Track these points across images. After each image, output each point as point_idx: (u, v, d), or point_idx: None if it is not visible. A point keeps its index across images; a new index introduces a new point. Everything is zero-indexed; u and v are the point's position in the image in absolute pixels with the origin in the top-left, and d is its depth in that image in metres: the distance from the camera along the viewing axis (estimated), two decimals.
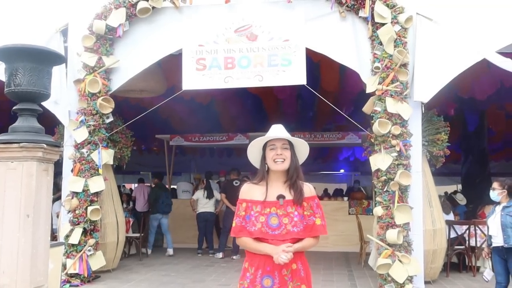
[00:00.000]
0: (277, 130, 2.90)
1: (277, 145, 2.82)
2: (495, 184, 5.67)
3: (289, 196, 2.78)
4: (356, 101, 9.92)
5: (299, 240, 2.74)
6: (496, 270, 5.63)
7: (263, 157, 2.87)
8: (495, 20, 6.61)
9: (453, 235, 8.08)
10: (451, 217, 8.50)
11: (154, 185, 11.26)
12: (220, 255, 9.69)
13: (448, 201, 9.35)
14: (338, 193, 15.14)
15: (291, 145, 2.86)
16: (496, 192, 5.61)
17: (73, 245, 7.04)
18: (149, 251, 10.28)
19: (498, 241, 5.47)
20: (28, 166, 3.12)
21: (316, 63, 8.82)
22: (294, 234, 2.72)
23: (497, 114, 12.01)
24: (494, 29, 6.59)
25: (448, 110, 9.95)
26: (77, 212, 7.09)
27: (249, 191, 2.85)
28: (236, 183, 10.03)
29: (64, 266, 6.80)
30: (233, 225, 2.82)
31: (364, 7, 6.82)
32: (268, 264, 2.70)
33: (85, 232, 7.09)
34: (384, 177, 6.61)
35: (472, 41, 6.55)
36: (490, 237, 5.65)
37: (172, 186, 13.67)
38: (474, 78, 8.16)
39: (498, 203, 5.65)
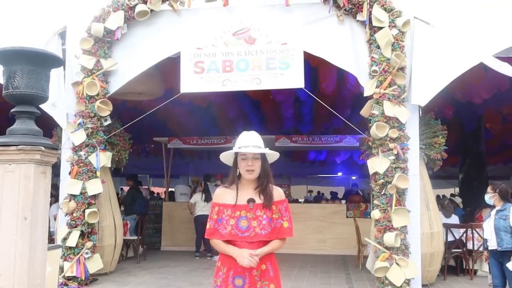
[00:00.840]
0: (249, 140, 2.94)
1: (248, 155, 2.89)
2: (488, 188, 5.71)
3: (259, 200, 2.89)
4: (354, 105, 9.95)
5: (266, 242, 2.86)
6: (492, 273, 5.65)
7: (235, 163, 2.95)
8: (492, 24, 6.64)
9: (450, 238, 8.09)
10: (453, 220, 8.50)
11: (129, 187, 11.31)
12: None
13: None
14: (333, 196, 15.19)
15: (262, 154, 2.92)
16: (488, 196, 5.66)
17: (70, 247, 7.02)
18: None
19: (492, 244, 5.51)
20: (26, 168, 3.12)
21: (314, 67, 8.84)
22: (261, 237, 2.85)
23: (494, 117, 12.04)
24: (491, 33, 6.62)
25: (446, 114, 9.98)
26: (74, 214, 7.08)
27: (221, 195, 2.95)
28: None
29: (61, 269, 6.78)
30: (207, 227, 2.95)
31: (361, 11, 6.83)
32: (239, 265, 2.81)
33: (82, 235, 7.08)
34: (382, 180, 6.62)
35: (470, 45, 6.58)
36: (485, 240, 5.68)
37: (170, 189, 13.67)
38: (471, 82, 8.18)
39: (494, 206, 5.68)
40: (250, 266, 2.77)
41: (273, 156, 3.02)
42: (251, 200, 2.88)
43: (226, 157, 3.03)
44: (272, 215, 2.89)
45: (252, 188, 2.94)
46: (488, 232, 5.56)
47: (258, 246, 2.84)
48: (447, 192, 15.99)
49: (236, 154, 2.94)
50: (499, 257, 5.49)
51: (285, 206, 2.96)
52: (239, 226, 2.85)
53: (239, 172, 2.93)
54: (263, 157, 2.93)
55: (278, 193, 2.97)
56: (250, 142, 2.92)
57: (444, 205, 8.63)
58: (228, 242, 2.86)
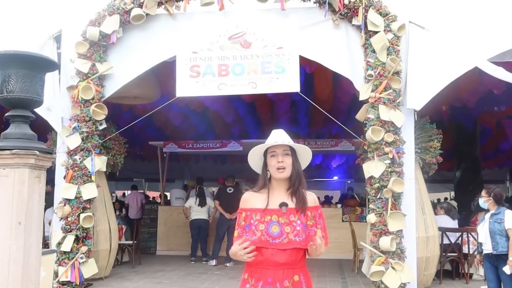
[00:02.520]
0: (278, 136, 2.78)
1: (278, 151, 2.71)
2: (483, 192, 5.73)
3: (291, 204, 2.67)
4: (349, 109, 9.97)
5: (300, 250, 2.65)
6: (487, 277, 5.66)
7: (264, 164, 2.77)
8: (487, 29, 6.68)
9: (446, 242, 8.10)
10: (452, 224, 8.50)
11: None
12: (214, 262, 9.65)
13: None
14: (327, 200, 15.22)
15: (292, 151, 2.75)
16: (483, 200, 5.68)
17: (65, 252, 6.99)
18: None
19: (487, 248, 5.52)
20: (20, 173, 3.10)
21: (310, 73, 8.86)
22: (296, 244, 2.62)
23: (489, 121, 12.10)
24: (486, 37, 6.65)
25: (442, 116, 10.02)
26: (69, 219, 7.05)
27: (249, 200, 2.74)
28: (229, 190, 10.03)
29: (56, 274, 6.75)
30: (235, 235, 2.74)
31: (357, 15, 6.86)
32: (269, 275, 2.61)
33: (77, 240, 7.05)
34: (377, 184, 6.63)
35: (464, 49, 6.61)
36: (480, 244, 5.69)
37: (165, 193, 13.64)
38: (465, 85, 8.21)
39: (487, 210, 5.70)
40: (250, 258, 2.56)
41: (305, 156, 2.83)
42: (283, 204, 2.65)
43: (254, 160, 2.83)
44: (306, 221, 2.66)
45: (284, 192, 2.72)
46: (483, 236, 5.58)
47: (291, 254, 2.62)
48: (442, 196, 16.06)
49: (265, 154, 2.75)
50: (494, 260, 5.50)
51: (319, 213, 2.77)
52: (270, 232, 2.62)
53: (270, 175, 2.73)
54: (294, 156, 2.74)
55: (312, 198, 2.77)
56: (279, 137, 2.75)
57: (448, 208, 8.66)
58: (257, 250, 2.61)
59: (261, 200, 2.69)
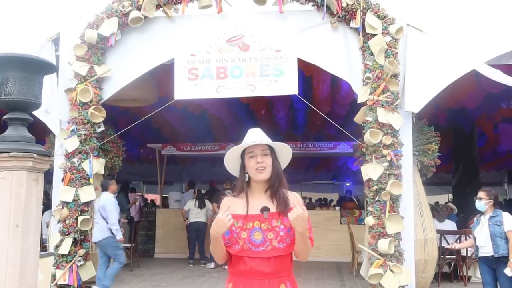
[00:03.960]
0: (256, 135, 2.61)
1: (256, 152, 2.54)
2: (482, 194, 5.67)
3: (273, 207, 2.52)
4: (348, 111, 9.98)
5: (284, 258, 2.49)
6: (484, 280, 5.65)
7: (242, 166, 2.60)
8: (484, 32, 6.70)
9: (444, 244, 8.10)
10: (450, 226, 8.50)
11: None
12: (212, 265, 9.65)
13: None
14: (324, 203, 15.24)
15: (271, 150, 2.59)
16: (483, 202, 5.62)
17: (63, 255, 6.96)
18: None
19: (486, 251, 5.50)
20: (18, 175, 3.10)
21: (308, 76, 8.87)
22: (280, 251, 2.46)
23: (486, 124, 12.12)
24: (483, 40, 6.67)
25: (439, 119, 10.03)
26: (67, 222, 7.03)
27: (229, 205, 2.56)
28: (228, 192, 10.02)
29: (53, 277, 6.73)
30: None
31: (355, 18, 6.87)
32: (254, 286, 2.46)
33: (75, 242, 7.02)
34: (376, 187, 6.63)
35: (462, 52, 6.63)
36: (477, 247, 5.66)
37: (163, 195, 13.63)
38: (463, 88, 8.23)
39: (482, 213, 5.67)
40: (228, 223, 2.37)
41: (285, 155, 2.66)
42: (265, 209, 2.49)
43: (231, 162, 2.66)
44: (290, 224, 2.46)
45: (264, 195, 2.57)
46: (482, 239, 5.55)
47: (276, 262, 2.46)
48: (441, 198, 16.06)
49: (243, 155, 2.59)
50: (493, 263, 5.49)
51: None
52: (253, 240, 2.46)
53: (249, 177, 2.57)
54: (273, 156, 2.58)
55: (295, 198, 2.59)
56: (257, 137, 2.59)
57: (437, 210, 8.66)
58: (239, 259, 2.48)
59: (241, 206, 2.54)
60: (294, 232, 2.46)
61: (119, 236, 7.23)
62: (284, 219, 2.48)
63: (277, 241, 2.47)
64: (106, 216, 7.23)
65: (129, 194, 12.29)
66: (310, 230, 2.56)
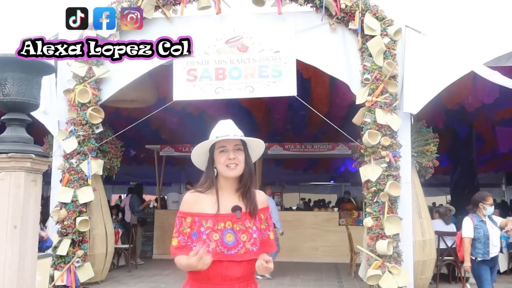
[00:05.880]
0: (228, 128, 2.38)
1: (228, 147, 2.33)
2: (491, 199, 5.65)
3: (243, 207, 2.33)
4: (346, 113, 9.98)
5: (253, 260, 2.29)
6: (485, 278, 5.63)
7: (211, 160, 2.37)
8: (483, 33, 6.71)
9: (442, 246, 8.11)
10: (450, 227, 8.50)
11: None
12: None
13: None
14: (323, 204, 15.26)
15: (244, 145, 2.38)
16: (493, 208, 5.67)
17: (61, 256, 6.96)
18: None
19: (497, 250, 5.55)
20: (16, 176, 3.09)
21: (307, 78, 8.87)
22: (253, 254, 2.27)
23: (484, 126, 12.14)
24: (482, 42, 6.69)
25: (437, 122, 10.04)
26: (65, 223, 7.03)
27: (195, 202, 2.32)
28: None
29: (51, 278, 6.72)
30: (173, 243, 2.31)
31: (354, 20, 6.88)
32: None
33: (73, 243, 7.02)
34: (374, 188, 6.64)
35: (461, 53, 6.64)
36: (487, 250, 5.61)
37: (162, 196, 13.62)
38: (461, 90, 8.24)
39: (476, 214, 5.68)
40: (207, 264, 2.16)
41: (256, 151, 2.46)
42: (237, 208, 2.28)
43: (198, 156, 2.43)
44: (260, 225, 2.33)
45: (234, 193, 2.35)
46: (498, 239, 5.59)
47: (247, 266, 2.28)
48: (439, 199, 16.08)
49: (212, 149, 2.36)
50: (489, 262, 5.56)
51: (269, 214, 2.45)
52: (225, 242, 2.24)
53: (217, 172, 2.35)
54: (246, 151, 2.37)
55: (264, 197, 2.43)
56: (230, 130, 2.36)
57: (443, 213, 8.66)
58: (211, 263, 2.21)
59: (210, 203, 2.30)
60: (262, 234, 2.35)
61: None
62: (256, 220, 2.33)
63: (251, 244, 2.28)
64: None
65: (143, 196, 12.28)
66: (273, 231, 2.45)
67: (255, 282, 2.39)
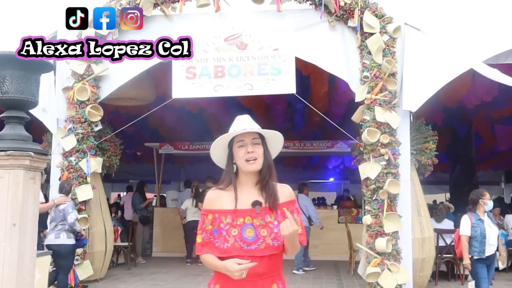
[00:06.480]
0: (245, 122, 2.37)
1: (246, 140, 2.32)
2: (488, 194, 5.68)
3: (263, 201, 2.31)
4: (345, 110, 9.98)
5: (277, 256, 2.32)
6: (483, 276, 5.64)
7: (230, 156, 2.37)
8: (482, 31, 6.71)
9: (441, 243, 8.12)
10: (447, 225, 8.50)
11: None
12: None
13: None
14: (323, 202, 15.26)
15: (262, 138, 2.38)
16: (492, 202, 5.71)
17: None
18: None
19: (493, 249, 5.56)
20: (15, 174, 3.09)
21: (306, 75, 8.86)
22: (274, 249, 2.27)
23: (483, 124, 12.13)
24: (481, 39, 6.68)
25: (436, 120, 10.04)
26: None
27: (216, 199, 2.34)
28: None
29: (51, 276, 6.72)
30: (198, 240, 2.34)
31: (353, 17, 6.87)
32: (247, 287, 2.27)
33: None
34: (373, 186, 6.64)
35: (460, 51, 6.63)
36: (483, 248, 5.63)
37: (161, 194, 13.61)
38: (460, 88, 8.24)
39: (476, 213, 5.69)
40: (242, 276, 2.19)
41: (276, 144, 2.45)
42: (257, 203, 2.26)
43: (217, 151, 2.43)
44: (283, 219, 2.26)
45: (254, 188, 2.35)
46: (494, 238, 5.60)
47: (269, 261, 2.27)
48: (438, 197, 16.09)
49: (231, 145, 2.36)
50: (486, 261, 5.57)
51: (296, 208, 2.39)
52: (244, 237, 2.25)
53: (236, 168, 2.36)
54: (264, 145, 2.37)
55: (288, 191, 2.40)
56: (247, 124, 2.36)
57: (435, 210, 8.66)
58: (232, 258, 2.23)
59: (230, 199, 2.31)
60: None
61: None
62: (277, 214, 2.31)
63: (271, 239, 2.27)
64: None
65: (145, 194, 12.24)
66: (302, 226, 2.36)
67: (281, 279, 2.38)
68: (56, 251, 6.40)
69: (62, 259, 6.52)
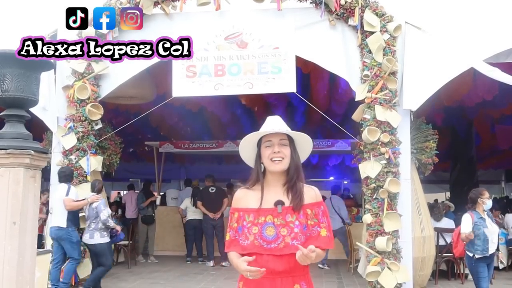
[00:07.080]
0: (274, 123, 2.44)
1: (274, 141, 2.38)
2: (487, 193, 5.68)
3: (287, 201, 2.36)
4: (346, 109, 9.98)
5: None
6: (483, 275, 5.65)
7: (258, 156, 2.42)
8: (482, 30, 6.70)
9: (441, 242, 8.12)
10: (447, 224, 8.50)
11: None
12: (211, 263, 9.62)
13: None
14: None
15: (290, 140, 2.43)
16: (491, 200, 5.72)
17: None
18: None
19: (494, 248, 5.57)
20: (15, 172, 3.09)
21: (306, 74, 8.86)
22: (293, 248, 2.27)
23: (484, 123, 12.13)
24: (482, 38, 6.67)
25: (436, 119, 10.04)
26: None
27: (243, 198, 2.42)
28: (212, 189, 10.06)
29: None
30: (226, 238, 2.45)
31: (353, 16, 6.87)
32: (266, 285, 2.31)
33: None
34: (373, 185, 6.64)
35: (460, 50, 6.63)
36: (488, 246, 5.62)
37: (161, 193, 13.62)
38: (461, 87, 8.24)
39: (477, 211, 5.69)
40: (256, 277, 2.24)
41: (305, 146, 2.48)
42: (279, 203, 2.32)
43: (246, 150, 2.48)
44: (307, 221, 2.32)
45: (281, 188, 2.39)
46: (495, 237, 5.61)
47: (289, 260, 2.29)
48: (438, 196, 16.09)
49: (260, 144, 2.41)
50: (487, 259, 5.58)
51: (322, 210, 2.41)
52: (264, 235, 2.29)
53: (264, 168, 2.39)
54: (292, 147, 2.40)
55: (314, 193, 2.43)
56: (275, 125, 2.41)
57: (433, 209, 8.66)
58: (251, 255, 2.28)
59: (255, 198, 2.38)
60: (311, 230, 2.35)
61: None
62: (299, 215, 2.33)
63: (291, 238, 2.29)
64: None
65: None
66: (329, 228, 2.41)
67: (306, 280, 2.40)
68: (92, 250, 6.83)
69: (100, 257, 6.87)
